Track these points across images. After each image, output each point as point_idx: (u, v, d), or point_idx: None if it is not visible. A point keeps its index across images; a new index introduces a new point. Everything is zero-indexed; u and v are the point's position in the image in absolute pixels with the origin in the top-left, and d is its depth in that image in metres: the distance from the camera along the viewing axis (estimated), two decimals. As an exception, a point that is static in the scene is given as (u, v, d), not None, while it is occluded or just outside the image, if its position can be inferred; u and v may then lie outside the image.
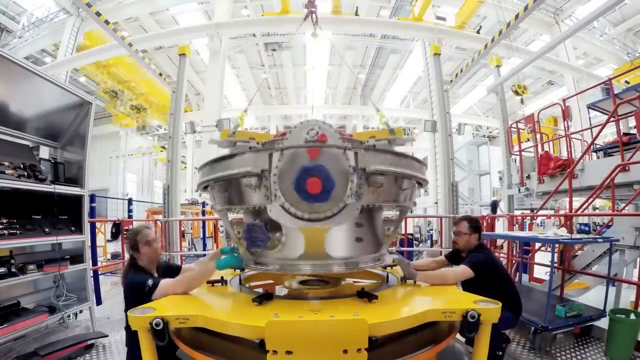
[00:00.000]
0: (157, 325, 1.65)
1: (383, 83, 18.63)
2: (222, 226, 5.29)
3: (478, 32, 11.37)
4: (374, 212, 2.30)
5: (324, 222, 1.90)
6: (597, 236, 4.51)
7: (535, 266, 5.66)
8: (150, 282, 2.21)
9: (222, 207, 2.26)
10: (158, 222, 7.61)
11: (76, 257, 3.95)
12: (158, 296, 2.13)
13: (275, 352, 1.51)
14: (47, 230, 3.47)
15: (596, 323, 3.80)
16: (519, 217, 6.86)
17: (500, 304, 1.80)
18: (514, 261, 5.60)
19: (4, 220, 3.16)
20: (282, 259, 2.14)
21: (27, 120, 3.75)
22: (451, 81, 10.00)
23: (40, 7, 12.22)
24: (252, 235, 2.05)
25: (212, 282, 2.43)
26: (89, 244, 4.17)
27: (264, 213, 2.00)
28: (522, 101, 9.85)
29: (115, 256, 8.36)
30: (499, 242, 6.19)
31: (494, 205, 10.48)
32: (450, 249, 3.43)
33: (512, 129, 8.53)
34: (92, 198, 5.33)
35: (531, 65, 10.68)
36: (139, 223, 3.06)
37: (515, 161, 8.37)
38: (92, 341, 3.74)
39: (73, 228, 3.86)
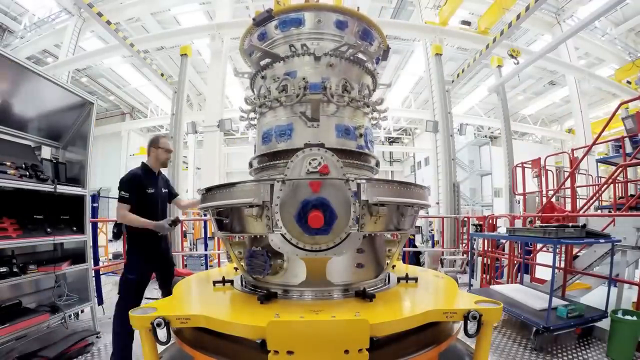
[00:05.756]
0: (158, 325, 1.65)
1: (384, 82, 18.62)
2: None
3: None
4: (376, 238, 2.32)
5: (326, 252, 1.90)
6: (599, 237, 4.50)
7: (537, 267, 5.65)
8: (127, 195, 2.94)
9: (223, 234, 2.28)
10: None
11: (78, 257, 3.97)
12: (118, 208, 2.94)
13: (276, 352, 1.51)
14: (48, 230, 3.48)
15: (598, 324, 3.79)
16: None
17: (502, 304, 1.79)
18: (515, 262, 5.60)
19: (6, 220, 3.17)
20: (283, 284, 2.15)
21: (29, 121, 3.77)
22: (452, 81, 10.00)
23: (42, 8, 12.25)
24: (254, 262, 2.06)
25: (214, 282, 2.44)
26: (91, 244, 4.17)
27: (265, 239, 2.01)
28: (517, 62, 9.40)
29: (116, 256, 8.37)
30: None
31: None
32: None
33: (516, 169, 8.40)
34: (94, 198, 5.35)
35: (533, 65, 10.67)
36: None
37: (519, 202, 8.34)
38: (91, 340, 3.75)
39: (75, 228, 3.87)
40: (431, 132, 9.41)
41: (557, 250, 3.97)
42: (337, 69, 2.41)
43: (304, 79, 2.33)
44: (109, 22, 7.71)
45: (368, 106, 2.55)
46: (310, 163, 1.87)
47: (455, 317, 1.75)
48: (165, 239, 3.28)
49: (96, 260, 5.23)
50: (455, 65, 15.84)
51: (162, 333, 1.71)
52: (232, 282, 2.47)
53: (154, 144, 3.26)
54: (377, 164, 2.63)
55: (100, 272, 5.64)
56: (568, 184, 6.28)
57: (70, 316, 3.91)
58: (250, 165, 2.61)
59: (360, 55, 2.55)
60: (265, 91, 2.49)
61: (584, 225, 3.73)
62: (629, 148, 5.92)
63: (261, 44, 2.60)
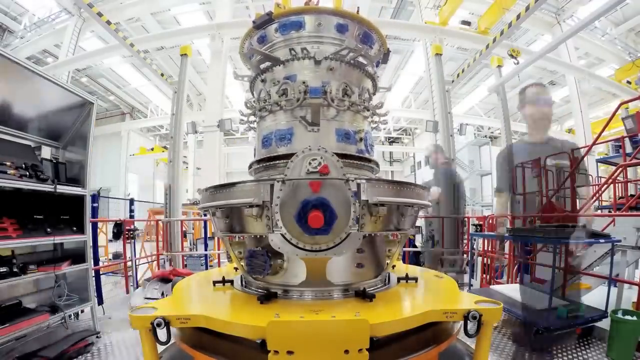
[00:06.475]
0: (158, 325, 1.65)
1: (384, 83, 18.59)
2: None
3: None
4: (376, 238, 2.32)
5: (326, 252, 1.90)
6: (599, 236, 4.50)
7: (537, 266, 5.64)
8: None
9: (223, 234, 2.28)
10: (160, 222, 7.62)
11: (78, 257, 3.96)
12: None
13: (276, 352, 1.51)
14: (48, 230, 3.48)
15: (598, 324, 3.79)
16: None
17: (502, 304, 1.79)
18: (515, 262, 5.59)
19: (6, 220, 3.17)
20: (283, 284, 2.15)
21: (29, 121, 3.76)
22: (452, 81, 10.00)
23: (42, 8, 12.25)
24: (254, 262, 2.06)
25: (214, 282, 2.44)
26: (91, 244, 4.17)
27: (265, 239, 2.01)
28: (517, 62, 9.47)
29: (116, 256, 8.37)
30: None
31: None
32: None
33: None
34: (94, 198, 5.35)
35: (532, 65, 10.67)
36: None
37: (519, 202, 8.32)
38: (91, 340, 3.75)
39: (75, 228, 3.87)
40: (431, 132, 9.39)
41: (557, 250, 3.97)
42: (337, 72, 2.40)
43: (304, 82, 2.32)
44: (109, 22, 7.70)
45: (368, 110, 2.55)
46: (310, 163, 1.87)
47: (455, 317, 1.75)
48: None
49: (96, 260, 5.23)
50: (455, 65, 15.84)
51: (162, 333, 1.71)
52: (232, 282, 2.47)
53: None
54: (377, 166, 2.64)
55: (100, 272, 5.64)
56: (568, 184, 6.26)
57: (70, 316, 3.91)
58: (250, 166, 2.62)
59: (360, 59, 2.55)
60: (265, 95, 2.49)
61: (584, 225, 3.72)
62: (629, 148, 5.92)
63: (261, 47, 2.59)
